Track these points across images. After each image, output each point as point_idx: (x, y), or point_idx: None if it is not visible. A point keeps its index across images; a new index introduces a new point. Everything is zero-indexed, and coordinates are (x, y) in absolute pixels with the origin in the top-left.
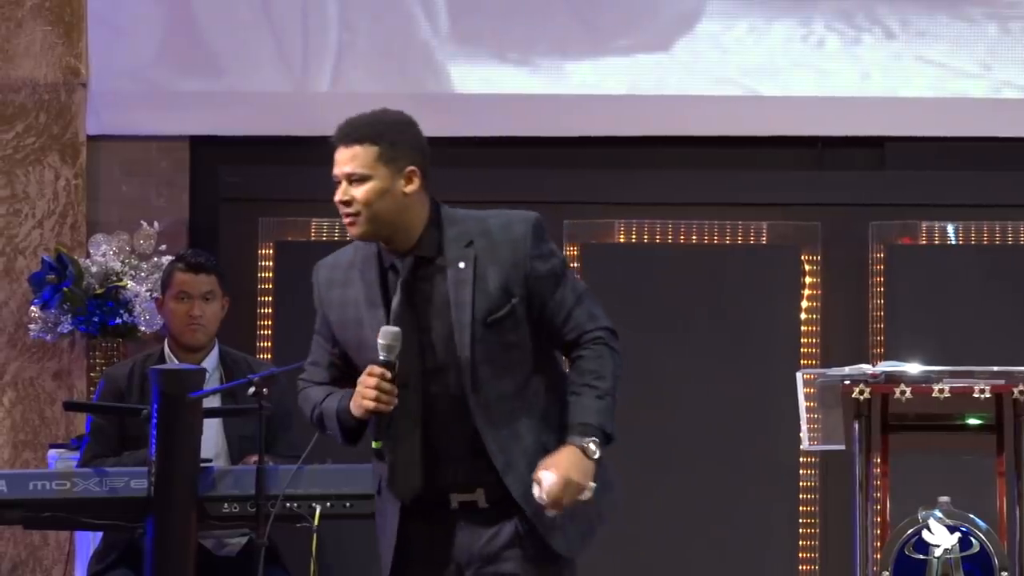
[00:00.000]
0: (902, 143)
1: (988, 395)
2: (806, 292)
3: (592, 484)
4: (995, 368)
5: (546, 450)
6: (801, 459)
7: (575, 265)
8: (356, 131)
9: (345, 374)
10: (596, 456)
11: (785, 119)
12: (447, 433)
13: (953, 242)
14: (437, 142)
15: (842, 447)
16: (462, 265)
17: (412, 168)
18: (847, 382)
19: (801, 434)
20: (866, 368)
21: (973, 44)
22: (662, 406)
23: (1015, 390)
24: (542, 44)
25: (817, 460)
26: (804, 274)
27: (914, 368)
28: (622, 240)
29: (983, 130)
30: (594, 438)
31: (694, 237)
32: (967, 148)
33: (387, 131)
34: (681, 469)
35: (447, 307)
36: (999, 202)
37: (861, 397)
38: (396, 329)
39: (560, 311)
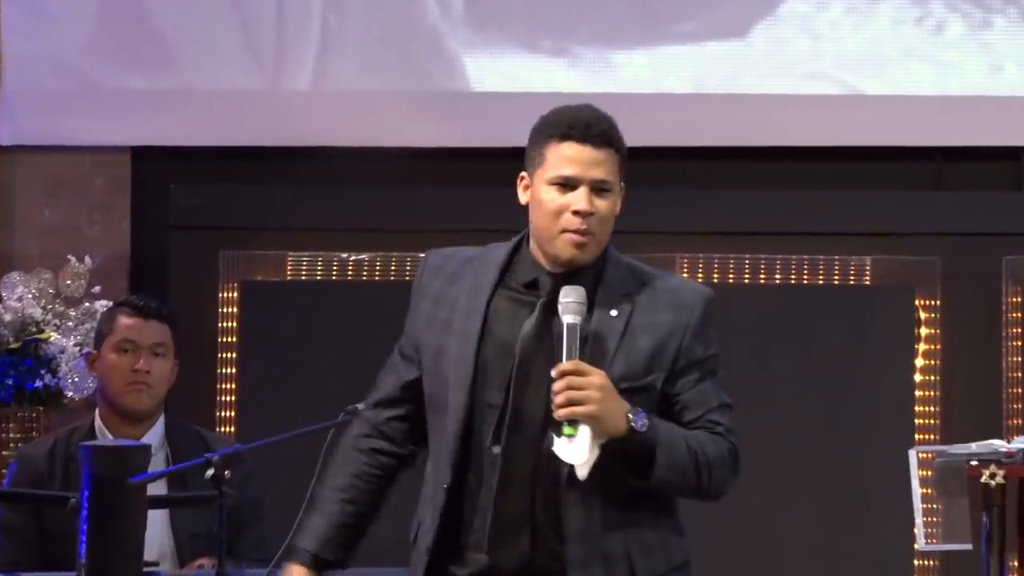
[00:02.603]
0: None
1: None
2: (922, 346)
3: (595, 412)
4: None
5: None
6: (916, 562)
7: None
8: (604, 130)
9: (414, 410)
10: (634, 422)
11: (894, 125)
12: (504, 504)
13: None
14: (447, 153)
15: (969, 546)
16: (614, 313)
17: (623, 186)
18: (974, 463)
19: (916, 530)
20: (1000, 444)
21: None
22: (738, 494)
23: None
24: (583, 30)
25: (937, 564)
26: (919, 323)
27: None
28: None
29: None
30: (645, 419)
31: (777, 276)
32: None
33: (621, 137)
34: (769, 572)
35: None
36: None
37: (993, 482)
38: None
39: (696, 407)
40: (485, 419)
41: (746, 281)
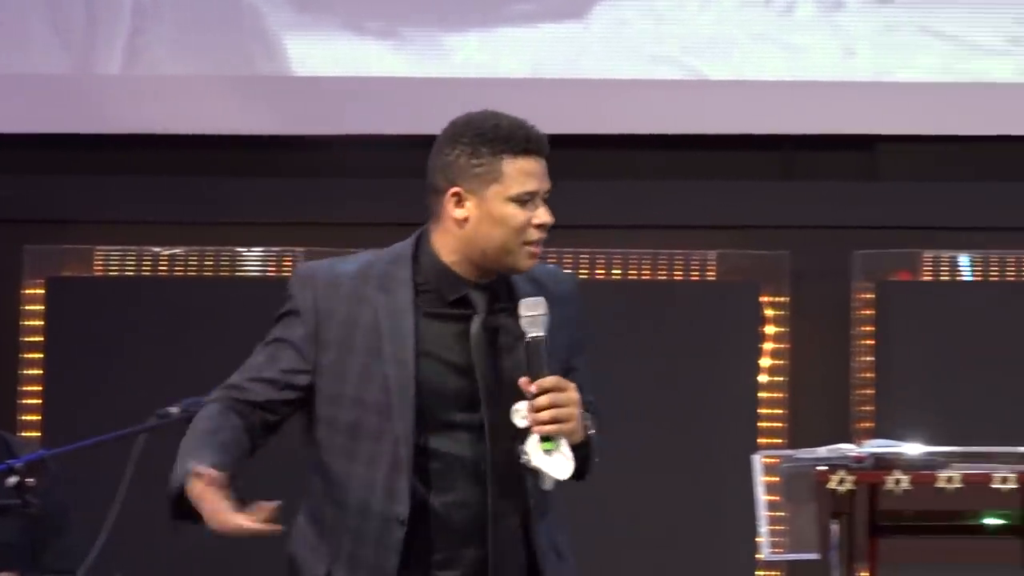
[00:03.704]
0: (899, 144)
1: (1013, 486)
2: (768, 345)
3: (577, 428)
4: (1022, 449)
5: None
6: (760, 573)
7: None
8: (546, 140)
9: (287, 411)
10: (590, 428)
11: (740, 111)
12: (498, 519)
13: (967, 277)
14: (269, 141)
15: (816, 556)
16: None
17: None
18: (822, 468)
19: (760, 539)
20: (849, 449)
21: (996, 10)
22: (575, 498)
23: None
24: (412, 11)
25: (782, 575)
26: (765, 320)
27: (913, 449)
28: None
29: (1009, 126)
30: (589, 420)
31: (615, 270)
32: (986, 151)
33: None
34: None
35: (519, 360)
36: None
37: (841, 488)
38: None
39: (586, 391)
40: (442, 443)
41: (583, 276)
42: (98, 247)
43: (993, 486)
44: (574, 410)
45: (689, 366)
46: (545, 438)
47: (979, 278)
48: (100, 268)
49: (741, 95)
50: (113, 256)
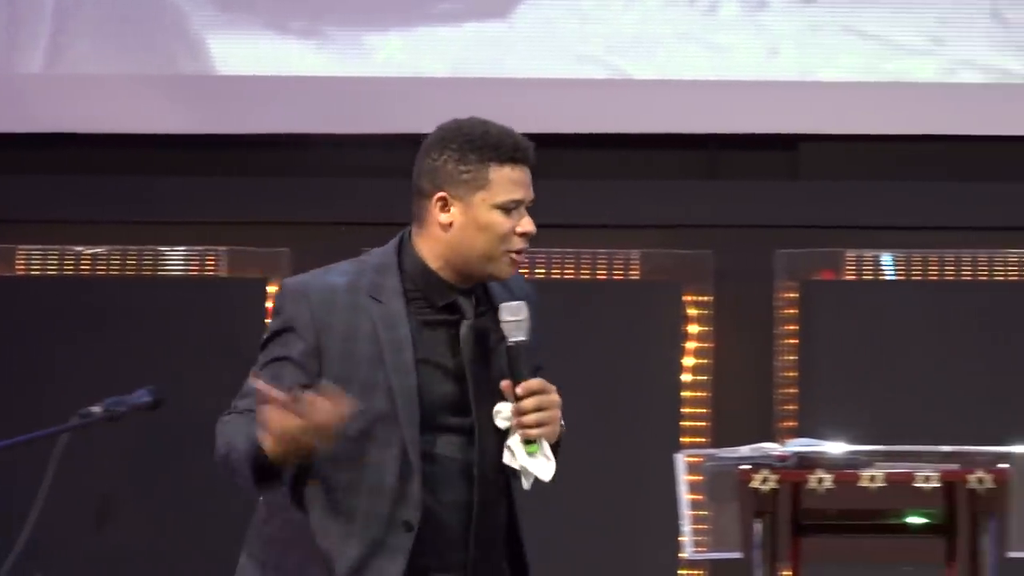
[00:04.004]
0: (822, 144)
1: (936, 485)
2: (691, 345)
3: (559, 431)
4: (945, 448)
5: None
6: (683, 571)
7: None
8: (531, 150)
9: None
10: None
11: (665, 110)
12: (486, 520)
13: (890, 276)
14: (192, 140)
15: (739, 555)
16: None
17: None
18: (745, 467)
19: (683, 537)
20: (772, 448)
21: (919, 10)
22: None
23: (970, 478)
24: (334, 10)
25: (705, 573)
26: (688, 320)
27: (836, 448)
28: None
29: (931, 125)
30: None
31: (539, 270)
32: (909, 150)
33: None
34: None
35: (500, 363)
36: (951, 223)
37: (764, 487)
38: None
39: None
40: (438, 447)
41: None
42: (20, 246)
43: (916, 485)
44: (557, 412)
45: (612, 365)
46: (528, 440)
47: (902, 277)
48: (22, 268)
49: (665, 94)
50: (35, 256)
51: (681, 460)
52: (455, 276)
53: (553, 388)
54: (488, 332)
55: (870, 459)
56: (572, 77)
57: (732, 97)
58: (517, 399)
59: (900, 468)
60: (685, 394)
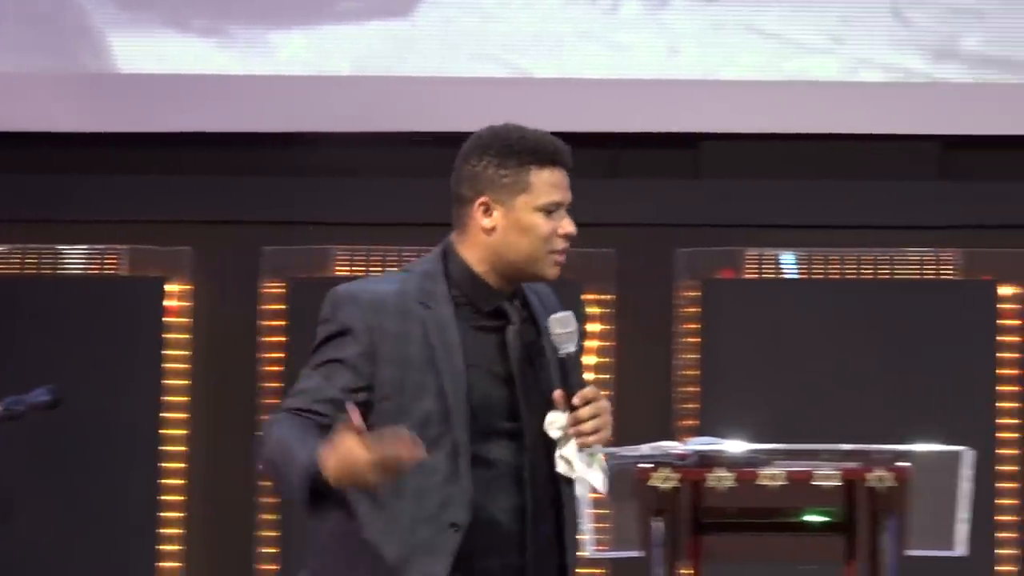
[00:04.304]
0: (723, 142)
1: (836, 483)
2: (592, 343)
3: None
4: (845, 447)
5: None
6: (585, 570)
7: (280, 307)
8: (569, 153)
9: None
10: None
11: (566, 109)
12: (538, 525)
13: (791, 275)
14: (93, 139)
15: (639, 553)
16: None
17: None
18: (645, 465)
19: (583, 536)
20: (672, 446)
21: (820, 9)
22: None
23: (870, 476)
24: (237, 8)
25: (606, 572)
26: (589, 319)
27: (736, 446)
28: (345, 272)
29: (832, 124)
30: None
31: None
32: (810, 149)
33: None
34: None
35: (544, 368)
36: (852, 222)
37: (665, 486)
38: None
39: None
40: (490, 451)
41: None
42: None
43: (816, 483)
44: (610, 419)
45: None
46: (583, 448)
47: (803, 276)
48: None
49: (566, 93)
50: None
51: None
52: (500, 280)
53: (603, 396)
54: (531, 338)
55: (770, 457)
56: (473, 76)
57: (633, 96)
58: (572, 408)
59: (800, 466)
60: None
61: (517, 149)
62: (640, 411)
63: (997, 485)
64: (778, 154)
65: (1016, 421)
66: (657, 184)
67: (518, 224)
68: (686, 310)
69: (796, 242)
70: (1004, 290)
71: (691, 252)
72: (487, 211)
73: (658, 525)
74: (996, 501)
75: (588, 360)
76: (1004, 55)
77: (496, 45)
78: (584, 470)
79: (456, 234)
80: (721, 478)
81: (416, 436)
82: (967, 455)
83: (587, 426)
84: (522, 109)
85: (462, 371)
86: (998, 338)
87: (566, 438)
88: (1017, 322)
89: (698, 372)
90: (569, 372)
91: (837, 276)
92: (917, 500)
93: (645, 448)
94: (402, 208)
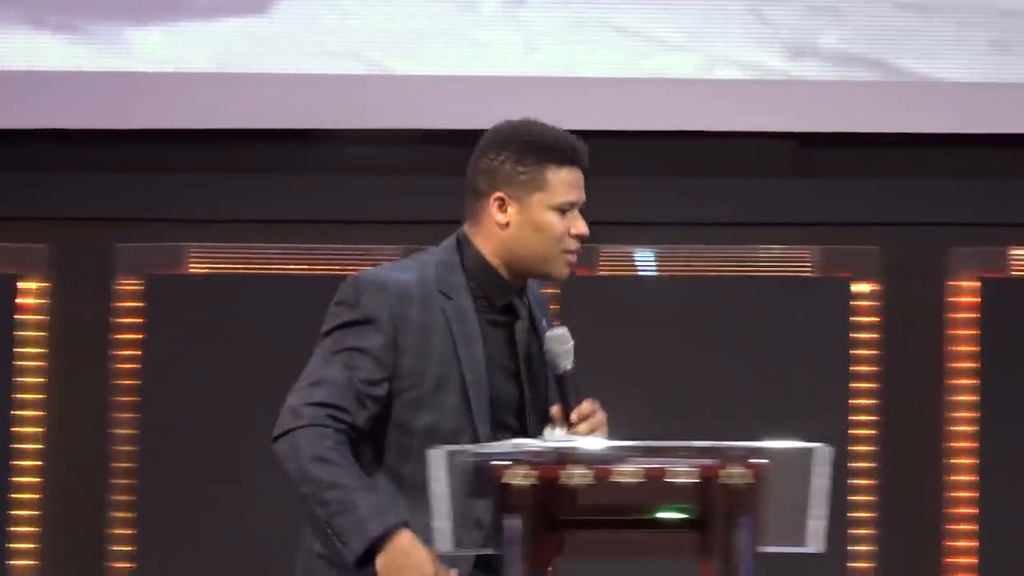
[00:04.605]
0: (584, 140)
1: (692, 480)
2: None
3: None
4: (701, 444)
5: None
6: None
7: (136, 304)
8: (586, 152)
9: (371, 422)
10: None
11: (424, 107)
12: None
13: (648, 273)
14: None
15: (495, 551)
16: (544, 324)
17: None
18: (501, 463)
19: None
20: (528, 444)
21: (678, 7)
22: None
23: (725, 472)
24: (93, 4)
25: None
26: None
27: (593, 443)
28: (200, 270)
29: (690, 121)
30: None
31: (277, 265)
32: (666, 146)
33: None
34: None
35: (541, 365)
36: (708, 219)
37: (520, 483)
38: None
39: None
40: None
41: (253, 271)
42: None
43: (672, 480)
44: (606, 431)
45: None
46: None
47: (658, 273)
48: None
49: (426, 90)
50: None
51: (440, 456)
52: (511, 275)
53: (598, 408)
54: (531, 335)
55: (627, 455)
56: (332, 73)
57: (491, 93)
58: (570, 425)
59: (657, 463)
60: None
61: (536, 146)
62: None
63: (851, 482)
64: (635, 151)
65: (870, 418)
66: None
67: (532, 222)
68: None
69: (652, 239)
70: (859, 287)
71: None
72: (502, 207)
73: (514, 522)
74: (850, 498)
75: None
76: (861, 53)
77: (356, 42)
78: None
79: (469, 226)
80: (577, 475)
81: (435, 424)
82: (822, 452)
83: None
84: (381, 106)
85: (483, 363)
86: (852, 335)
87: None
88: (871, 319)
89: None
90: (567, 390)
91: (692, 273)
92: (772, 497)
93: (502, 445)
94: (260, 205)
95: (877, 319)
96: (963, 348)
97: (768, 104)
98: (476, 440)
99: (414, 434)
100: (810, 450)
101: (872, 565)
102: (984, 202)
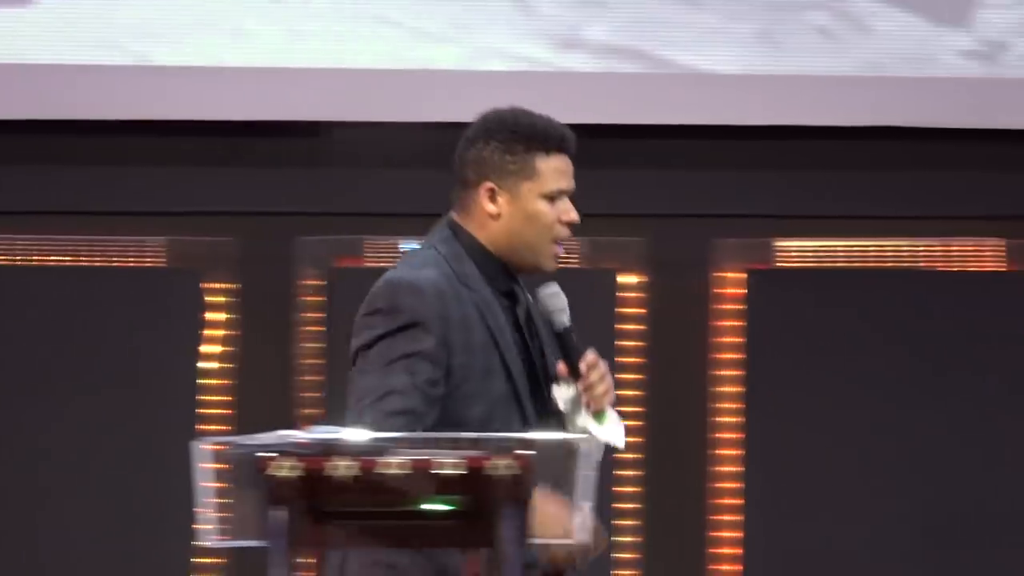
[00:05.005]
0: (347, 130)
1: (458, 472)
2: (213, 332)
3: None
4: (468, 435)
5: None
6: (203, 560)
7: None
8: (575, 139)
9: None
10: None
11: (188, 97)
12: None
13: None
14: None
15: (260, 543)
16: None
17: None
18: (266, 454)
19: (202, 526)
20: (294, 435)
21: None
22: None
23: (490, 464)
24: None
25: (226, 562)
26: (209, 307)
27: (358, 435)
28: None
29: (455, 113)
30: None
31: (55, 256)
32: (432, 138)
33: None
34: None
35: (539, 347)
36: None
37: (285, 475)
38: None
39: None
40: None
41: (29, 263)
42: None
43: (438, 472)
44: (612, 381)
45: (135, 354)
46: (598, 412)
47: None
48: None
49: (189, 81)
50: None
51: (201, 448)
52: (508, 265)
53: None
54: (530, 318)
55: (394, 446)
56: (94, 63)
57: (255, 83)
58: (578, 377)
59: (423, 455)
60: (207, 382)
61: (525, 135)
62: (262, 401)
63: (617, 474)
64: (401, 143)
65: (636, 410)
66: (279, 172)
67: (523, 211)
68: (309, 299)
69: (419, 231)
70: (624, 279)
71: (313, 241)
72: (492, 197)
73: (279, 514)
74: (615, 490)
75: (210, 349)
76: (627, 44)
77: (118, 32)
78: (603, 432)
79: (459, 216)
80: (343, 466)
81: (487, 414)
82: (587, 444)
83: (599, 389)
84: (143, 97)
85: (515, 349)
86: (618, 327)
87: (576, 408)
88: (638, 311)
89: (322, 361)
90: (569, 344)
91: None
92: (538, 489)
93: (266, 437)
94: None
95: (643, 311)
96: (728, 339)
97: (534, 96)
98: (526, 422)
99: (469, 427)
100: (577, 442)
101: (638, 556)
102: (749, 194)
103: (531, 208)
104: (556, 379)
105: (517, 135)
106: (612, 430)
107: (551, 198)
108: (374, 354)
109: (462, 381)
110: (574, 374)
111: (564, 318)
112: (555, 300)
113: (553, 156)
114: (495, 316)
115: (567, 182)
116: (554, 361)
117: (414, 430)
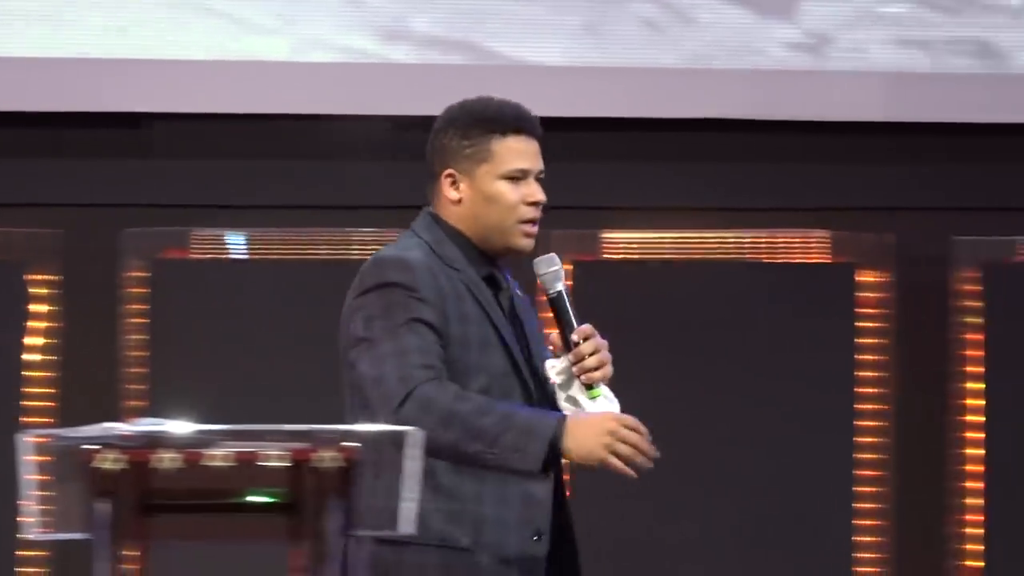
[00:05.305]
0: (170, 123)
1: (283, 464)
2: (37, 324)
3: None
4: (293, 427)
5: None
6: (25, 552)
7: None
8: (538, 121)
9: None
10: None
11: (9, 89)
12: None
13: (239, 256)
14: None
15: (84, 535)
16: (520, 293)
17: None
18: (89, 447)
19: (26, 519)
20: (118, 427)
21: None
22: None
23: (316, 456)
24: None
25: (50, 555)
26: (33, 299)
27: (184, 427)
28: None
29: (281, 105)
30: None
31: None
32: (259, 130)
33: None
34: None
35: (524, 332)
36: (300, 202)
37: (109, 467)
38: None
39: None
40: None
41: None
42: None
43: (263, 464)
44: (609, 354)
45: None
46: (589, 385)
47: (251, 256)
48: None
49: (10, 71)
50: None
51: (25, 440)
52: (484, 250)
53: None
54: (512, 301)
55: (219, 438)
56: None
57: (81, 74)
58: (571, 346)
59: (248, 447)
60: (30, 374)
61: (479, 119)
62: (86, 393)
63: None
64: (226, 135)
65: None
66: (104, 164)
67: (483, 194)
68: (133, 290)
69: (243, 223)
70: None
71: (138, 232)
72: (453, 183)
73: (103, 507)
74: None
75: (32, 341)
76: (453, 36)
77: None
78: (594, 405)
79: (434, 207)
80: (168, 459)
81: (486, 387)
82: (414, 435)
83: (591, 361)
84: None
85: (508, 327)
86: None
87: (568, 380)
88: None
89: (147, 353)
90: (563, 310)
91: (285, 257)
92: (365, 481)
93: (90, 429)
94: None
95: None
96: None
97: (359, 88)
98: (529, 395)
99: None
100: (403, 433)
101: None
102: (578, 186)
103: (490, 190)
104: (551, 350)
105: (473, 120)
106: (603, 406)
107: (511, 179)
108: (378, 328)
109: (461, 353)
110: (565, 345)
111: (558, 284)
112: (546, 265)
113: (509, 137)
114: (483, 293)
115: (528, 162)
116: (540, 353)
117: (442, 384)
